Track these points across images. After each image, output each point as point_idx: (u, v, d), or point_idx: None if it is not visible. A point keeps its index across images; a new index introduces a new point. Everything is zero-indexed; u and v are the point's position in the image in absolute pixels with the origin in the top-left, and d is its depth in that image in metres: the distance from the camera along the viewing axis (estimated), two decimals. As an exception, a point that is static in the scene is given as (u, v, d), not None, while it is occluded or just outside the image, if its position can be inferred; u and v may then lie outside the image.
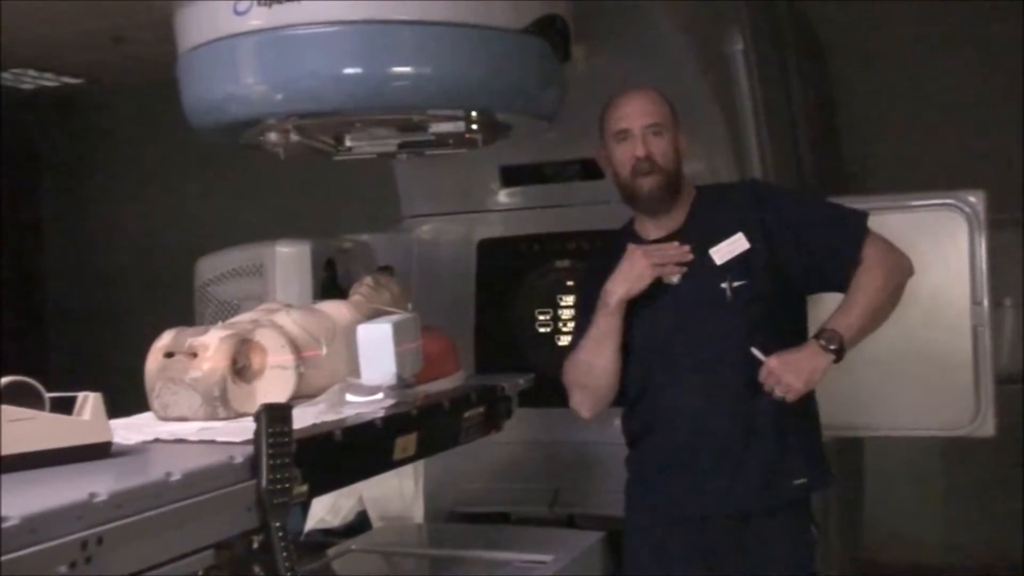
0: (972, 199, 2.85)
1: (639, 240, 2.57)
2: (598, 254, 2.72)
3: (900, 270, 2.49)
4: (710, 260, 2.46)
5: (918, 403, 2.89)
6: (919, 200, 2.94)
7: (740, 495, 2.44)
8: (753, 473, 2.44)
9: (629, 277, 2.45)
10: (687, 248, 2.45)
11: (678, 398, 2.47)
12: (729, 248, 2.45)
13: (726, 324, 2.44)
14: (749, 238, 2.45)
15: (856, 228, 2.48)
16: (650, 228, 2.56)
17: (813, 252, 2.47)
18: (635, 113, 2.49)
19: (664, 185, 2.48)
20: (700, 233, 2.48)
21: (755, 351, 2.41)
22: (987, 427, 2.83)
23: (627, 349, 2.52)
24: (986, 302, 2.83)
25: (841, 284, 2.47)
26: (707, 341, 2.45)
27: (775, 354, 2.39)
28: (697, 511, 2.48)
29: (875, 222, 2.82)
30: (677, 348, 2.48)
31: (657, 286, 2.47)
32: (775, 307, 2.48)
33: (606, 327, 2.48)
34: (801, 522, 2.53)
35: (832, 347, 2.36)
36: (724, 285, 2.44)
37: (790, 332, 2.50)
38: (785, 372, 2.36)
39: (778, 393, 2.38)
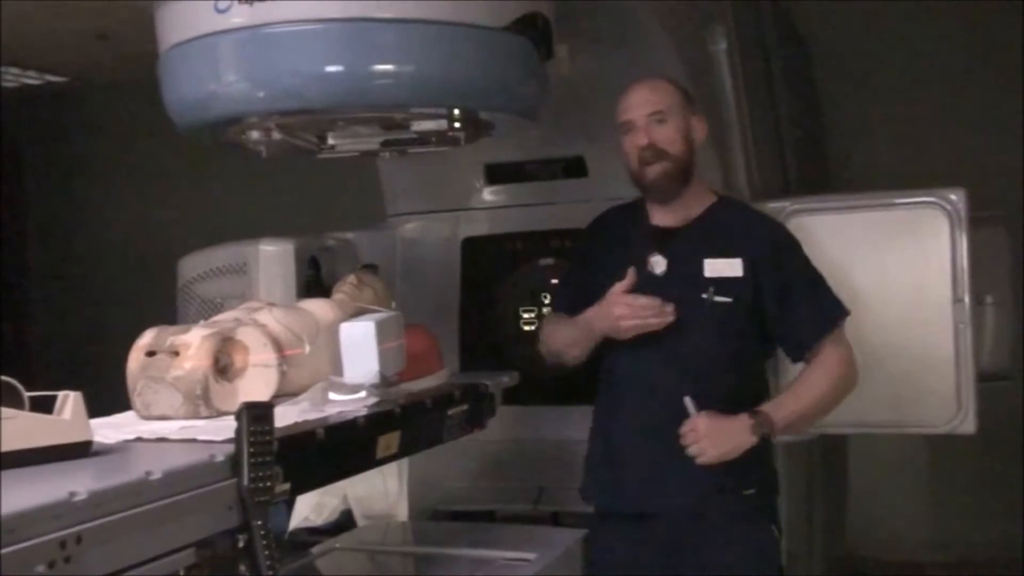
0: (953, 197, 2.86)
1: (646, 222, 2.59)
2: (603, 222, 2.74)
3: (848, 384, 2.54)
4: (701, 268, 2.48)
5: (900, 400, 2.90)
6: (901, 198, 2.95)
7: (688, 498, 2.47)
8: (703, 478, 2.44)
9: (605, 323, 2.47)
10: (671, 311, 2.42)
11: (642, 389, 2.50)
12: (723, 267, 2.47)
13: (698, 333, 2.46)
14: (744, 270, 2.45)
15: (827, 320, 2.50)
16: (658, 215, 2.58)
17: (785, 318, 2.49)
18: (637, 103, 2.52)
19: (671, 171, 2.49)
20: (704, 238, 2.50)
21: (688, 402, 2.40)
22: (968, 424, 2.84)
23: None
24: (967, 299, 2.84)
25: (793, 357, 2.54)
26: (674, 343, 2.47)
27: (707, 413, 2.39)
28: (646, 507, 2.51)
29: (857, 220, 2.84)
30: (649, 341, 2.48)
31: (643, 273, 2.49)
32: (746, 334, 2.50)
33: (586, 338, 2.55)
34: (760, 523, 2.53)
35: (762, 431, 2.39)
36: (705, 296, 2.46)
37: (752, 361, 2.54)
38: (708, 437, 2.37)
39: (691, 452, 2.39)
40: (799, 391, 2.46)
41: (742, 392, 2.48)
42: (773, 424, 2.39)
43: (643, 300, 2.41)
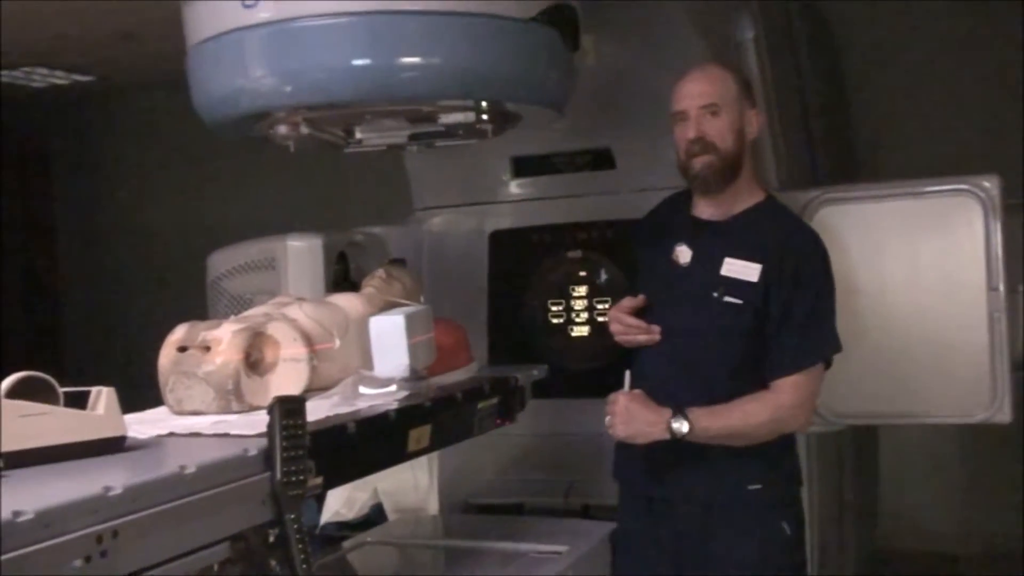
0: (987, 184, 2.82)
1: (688, 212, 2.58)
2: (657, 208, 2.73)
3: (782, 427, 2.46)
4: (720, 265, 2.46)
5: (934, 390, 2.87)
6: (933, 185, 2.91)
7: (695, 487, 2.46)
8: (707, 469, 2.43)
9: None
10: (656, 331, 2.49)
11: (652, 380, 2.48)
12: (740, 269, 2.44)
13: (706, 329, 2.45)
14: (760, 276, 2.42)
15: (796, 362, 2.41)
16: (702, 208, 2.56)
17: (770, 339, 2.43)
18: (691, 94, 2.47)
19: (717, 165, 2.45)
20: (733, 236, 2.48)
21: (626, 375, 2.45)
22: (1004, 414, 2.81)
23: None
24: (1002, 288, 2.81)
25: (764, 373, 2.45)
26: (684, 338, 2.47)
27: (634, 394, 2.41)
28: (654, 494, 2.51)
29: (889, 209, 2.79)
30: (664, 334, 2.49)
31: (669, 265, 2.51)
32: (755, 337, 2.44)
33: None
34: (767, 518, 2.48)
35: (679, 430, 2.35)
36: (716, 295, 2.44)
37: (760, 364, 2.46)
38: (622, 415, 2.39)
39: (606, 422, 2.43)
40: (735, 412, 2.40)
41: (747, 393, 2.42)
42: (694, 430, 2.35)
43: (632, 321, 2.52)
